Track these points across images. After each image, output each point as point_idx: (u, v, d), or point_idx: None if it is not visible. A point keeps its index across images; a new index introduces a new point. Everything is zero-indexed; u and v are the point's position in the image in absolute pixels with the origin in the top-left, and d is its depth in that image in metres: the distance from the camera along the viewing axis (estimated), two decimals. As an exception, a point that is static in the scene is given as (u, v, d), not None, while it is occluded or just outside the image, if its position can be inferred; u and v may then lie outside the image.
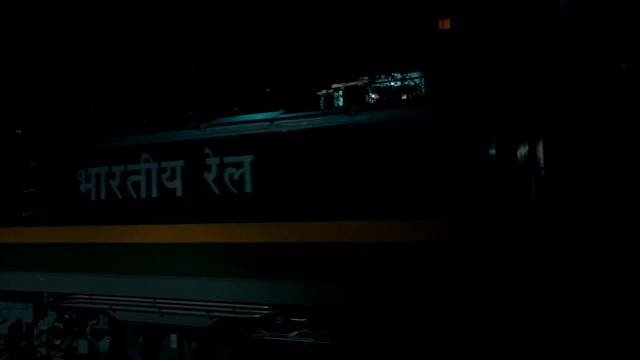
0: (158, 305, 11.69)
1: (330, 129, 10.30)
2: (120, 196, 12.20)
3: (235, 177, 10.99)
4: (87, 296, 12.56)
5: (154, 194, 11.83)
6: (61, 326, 13.09)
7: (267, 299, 10.59)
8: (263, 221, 10.65)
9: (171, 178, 11.64)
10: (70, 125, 19.09)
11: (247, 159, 10.88)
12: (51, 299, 13.14)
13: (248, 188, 10.84)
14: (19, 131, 19.85)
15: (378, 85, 23.56)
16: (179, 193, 11.58)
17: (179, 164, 11.59)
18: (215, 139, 11.30)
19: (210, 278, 11.13)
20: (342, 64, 22.88)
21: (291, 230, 10.39)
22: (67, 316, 13.02)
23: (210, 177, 11.23)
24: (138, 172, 12.01)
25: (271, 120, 10.89)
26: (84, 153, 12.81)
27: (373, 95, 21.90)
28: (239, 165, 10.96)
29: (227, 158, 11.10)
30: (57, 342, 13.13)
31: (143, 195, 11.94)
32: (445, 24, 24.06)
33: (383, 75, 23.91)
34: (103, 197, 12.40)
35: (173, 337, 11.76)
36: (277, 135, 10.68)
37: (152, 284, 11.76)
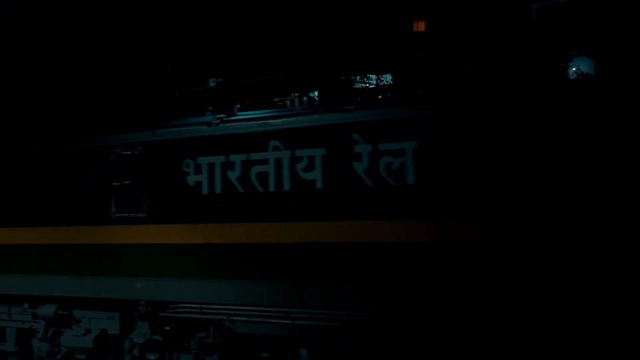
0: (292, 316, 10.41)
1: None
2: (241, 190, 10.88)
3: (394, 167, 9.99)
4: (196, 305, 11.07)
5: (286, 186, 10.58)
6: (160, 339, 11.57)
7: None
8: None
9: (309, 168, 10.45)
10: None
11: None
12: (149, 308, 11.58)
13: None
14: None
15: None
16: (319, 185, 10.41)
17: (318, 152, 10.45)
18: (367, 123, 10.25)
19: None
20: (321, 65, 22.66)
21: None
22: (167, 328, 11.47)
23: (360, 167, 10.17)
24: (265, 161, 10.72)
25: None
26: (192, 140, 11.38)
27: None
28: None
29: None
30: (153, 358, 11.57)
31: (272, 188, 10.67)
32: (420, 26, 24.11)
33: (358, 77, 23.57)
34: (218, 190, 11.04)
35: (303, 352, 10.56)
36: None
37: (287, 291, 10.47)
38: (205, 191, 11.09)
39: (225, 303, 10.81)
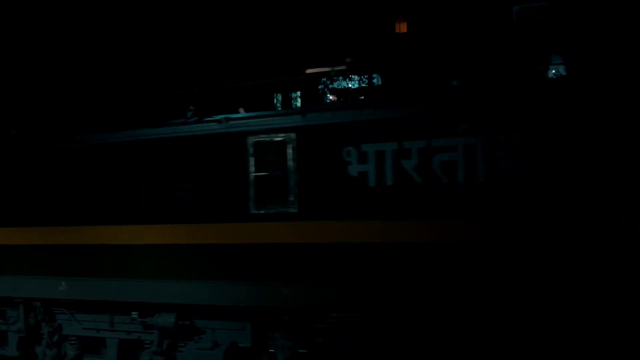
0: None
1: None
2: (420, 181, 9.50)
3: None
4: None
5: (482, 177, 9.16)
6: (305, 352, 10.17)
7: None
8: None
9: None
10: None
11: None
12: (294, 318, 10.18)
13: None
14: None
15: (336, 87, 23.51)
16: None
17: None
18: None
19: None
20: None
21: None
22: (319, 340, 10.00)
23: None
24: (453, 148, 9.47)
25: None
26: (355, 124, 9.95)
27: (331, 97, 21.77)
28: None
29: None
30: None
31: (461, 179, 9.31)
32: (403, 28, 24.37)
33: (341, 77, 23.93)
34: (390, 182, 9.62)
35: None
36: None
37: None
38: (372, 183, 9.75)
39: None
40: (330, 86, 23.42)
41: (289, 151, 10.29)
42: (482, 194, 9.12)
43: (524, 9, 23.16)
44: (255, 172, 10.48)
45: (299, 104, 23.10)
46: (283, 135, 10.33)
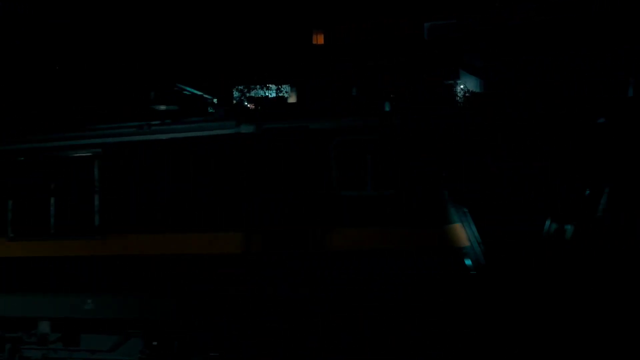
0: None
1: None
2: None
3: None
4: None
5: None
6: None
7: None
8: None
9: None
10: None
11: None
12: None
13: None
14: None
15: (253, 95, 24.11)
16: None
17: None
18: None
19: None
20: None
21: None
22: None
23: None
24: None
25: None
26: None
27: (248, 105, 22.42)
28: None
29: None
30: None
31: None
32: (320, 39, 25.34)
33: (258, 86, 24.45)
34: None
35: None
36: None
37: None
38: None
39: None
40: (248, 95, 23.98)
41: None
42: None
43: (434, 26, 24.55)
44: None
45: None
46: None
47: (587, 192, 8.56)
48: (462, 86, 22.09)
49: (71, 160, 10.65)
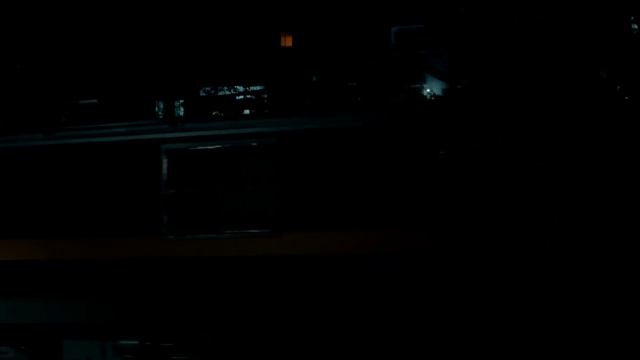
0: None
1: None
2: None
3: None
4: None
5: None
6: None
7: None
8: None
9: None
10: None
11: None
12: None
13: None
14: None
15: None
16: None
17: None
18: None
19: None
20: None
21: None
22: None
23: None
24: None
25: None
26: None
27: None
28: None
29: None
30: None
31: None
32: (288, 41, 24.56)
33: (225, 87, 23.68)
34: None
35: None
36: None
37: None
38: None
39: None
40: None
41: None
42: None
43: (401, 30, 24.31)
44: None
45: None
46: None
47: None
48: (428, 90, 21.90)
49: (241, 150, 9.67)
